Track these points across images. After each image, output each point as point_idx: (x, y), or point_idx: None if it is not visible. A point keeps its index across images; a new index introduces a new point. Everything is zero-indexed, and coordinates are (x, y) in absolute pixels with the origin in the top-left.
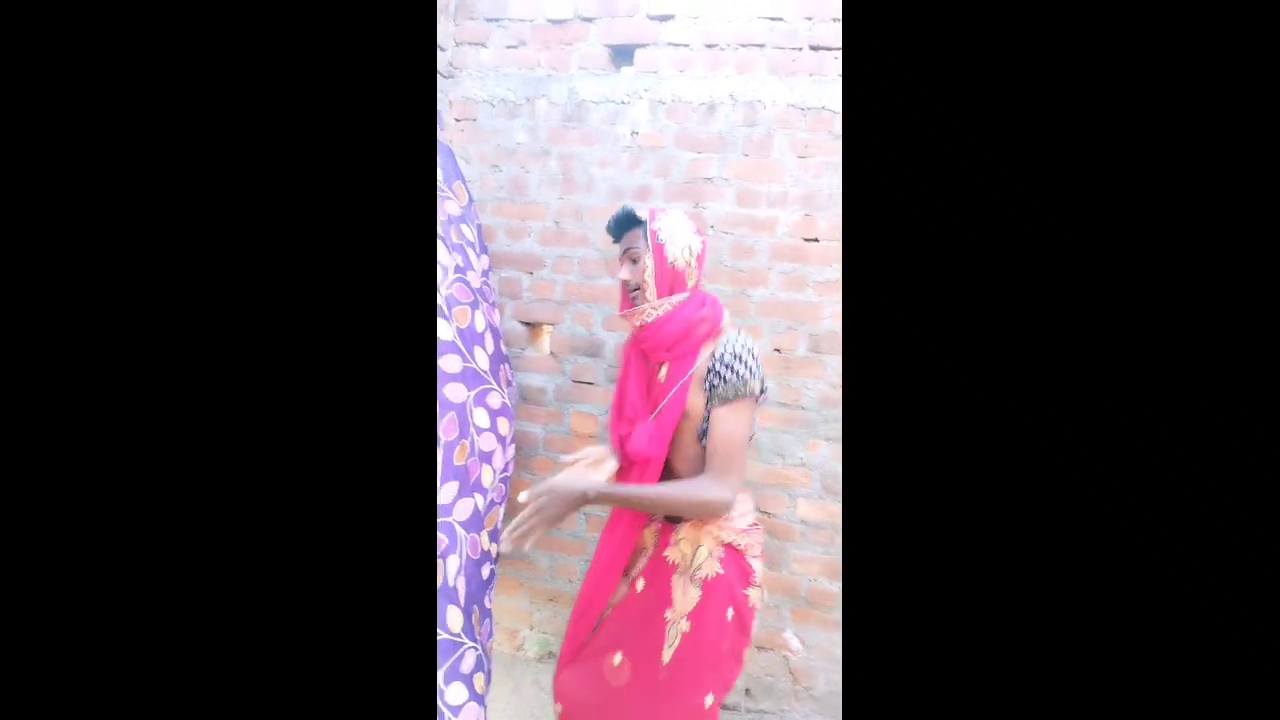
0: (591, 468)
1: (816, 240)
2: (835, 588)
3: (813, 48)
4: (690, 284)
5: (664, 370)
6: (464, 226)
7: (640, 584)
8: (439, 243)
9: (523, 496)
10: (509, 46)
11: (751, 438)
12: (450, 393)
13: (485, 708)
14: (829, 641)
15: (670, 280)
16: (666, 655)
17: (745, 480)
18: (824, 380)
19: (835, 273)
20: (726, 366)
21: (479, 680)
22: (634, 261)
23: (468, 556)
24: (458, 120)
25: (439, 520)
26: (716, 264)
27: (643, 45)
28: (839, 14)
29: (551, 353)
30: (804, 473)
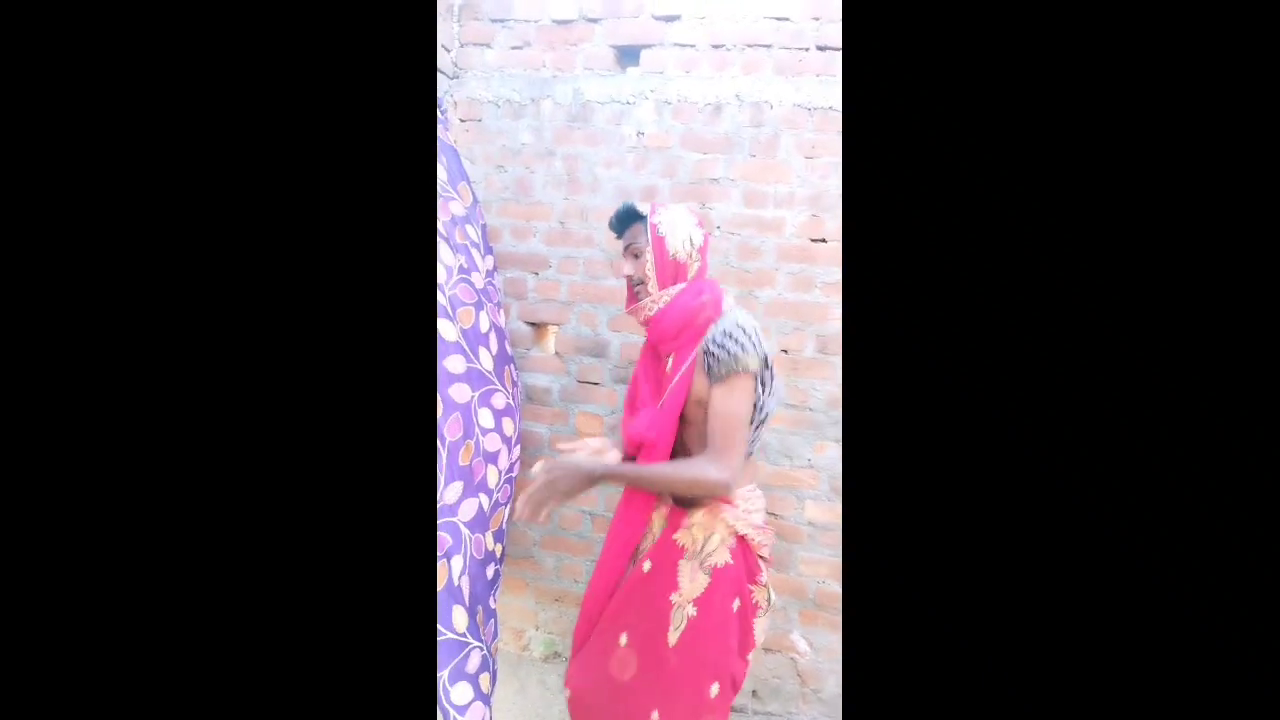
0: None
1: (824, 241)
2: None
3: (819, 48)
4: (691, 275)
5: (671, 360)
6: (468, 227)
7: (647, 565)
8: (443, 243)
9: (536, 469)
10: (514, 47)
11: (761, 418)
12: (455, 393)
13: (490, 708)
14: (837, 644)
15: (672, 272)
16: (672, 638)
17: (755, 481)
18: (831, 381)
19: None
20: (719, 345)
21: (484, 680)
22: (636, 256)
23: (472, 557)
24: (463, 121)
25: (444, 520)
26: (723, 265)
27: (648, 46)
28: None
29: (556, 353)
30: (811, 474)
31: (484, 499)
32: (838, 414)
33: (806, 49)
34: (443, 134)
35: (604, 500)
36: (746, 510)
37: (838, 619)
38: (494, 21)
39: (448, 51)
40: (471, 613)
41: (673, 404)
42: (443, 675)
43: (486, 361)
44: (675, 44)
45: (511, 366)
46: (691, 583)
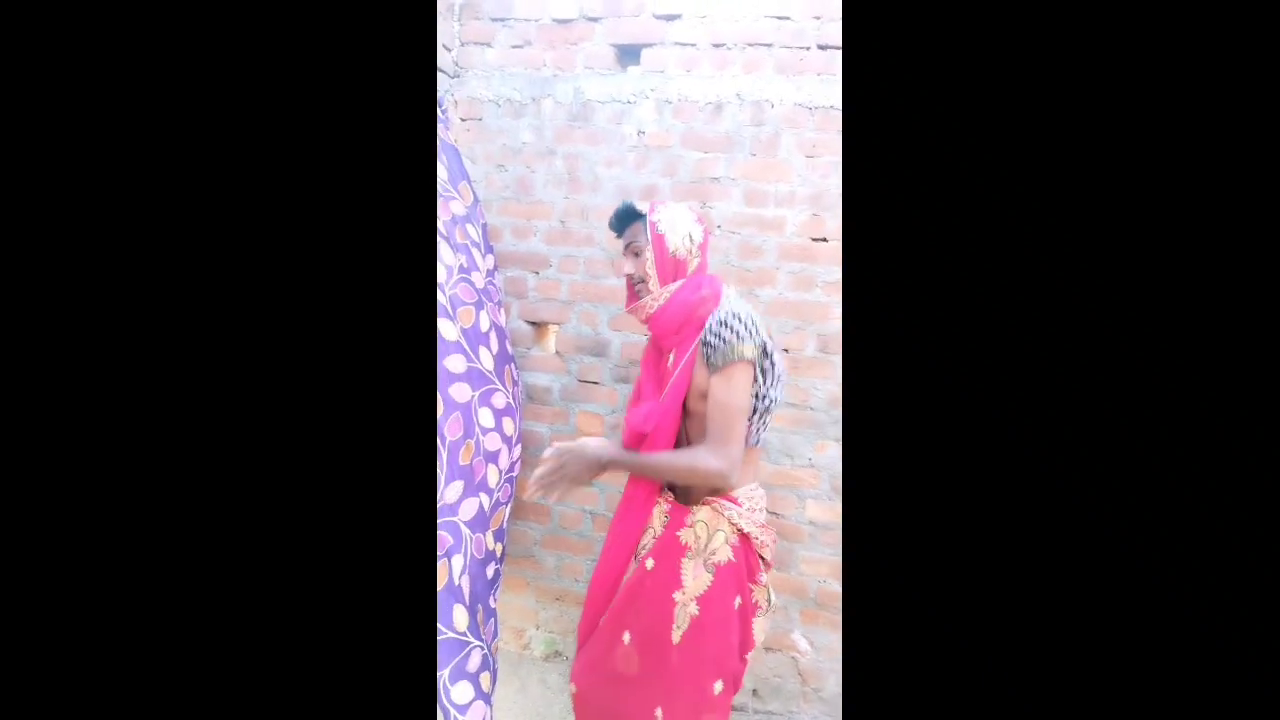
0: None
1: (824, 240)
2: None
3: (820, 47)
4: (691, 271)
5: (672, 356)
6: (469, 226)
7: (650, 563)
8: (444, 242)
9: (548, 453)
10: (514, 46)
11: (764, 406)
12: (455, 393)
13: (491, 707)
14: (837, 643)
15: (672, 269)
16: (676, 636)
17: (758, 479)
18: (832, 380)
19: None
20: (715, 334)
21: (485, 679)
22: (636, 255)
23: (473, 556)
24: (463, 120)
25: (445, 519)
26: (724, 263)
27: (649, 45)
28: None
29: (557, 352)
30: (812, 474)
31: (484, 498)
32: (839, 413)
33: (807, 48)
34: (443, 133)
35: (605, 499)
36: (750, 509)
37: (838, 618)
38: (494, 20)
39: (448, 50)
40: (472, 612)
41: (674, 396)
42: (443, 674)
43: (487, 361)
44: (676, 43)
45: (512, 366)
46: (695, 580)
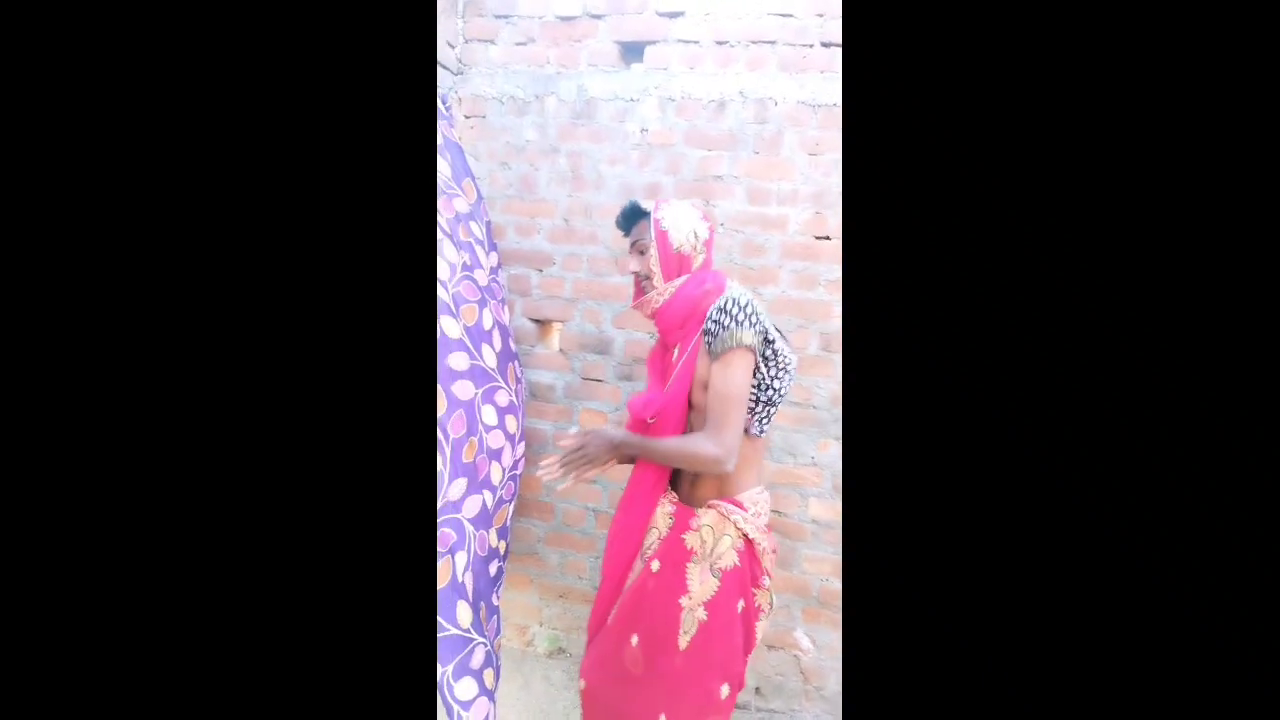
0: None
1: (827, 238)
2: None
3: (824, 44)
4: (695, 267)
5: (677, 350)
6: (472, 224)
7: (656, 565)
8: (447, 240)
9: (564, 442)
10: (518, 43)
11: (768, 396)
12: (458, 390)
13: (494, 703)
14: (839, 641)
15: (676, 265)
16: (683, 642)
17: (763, 482)
18: (835, 379)
19: None
20: (715, 322)
21: (488, 676)
22: (642, 253)
23: (476, 553)
24: (467, 117)
25: (448, 517)
26: (727, 262)
27: (652, 42)
28: None
29: (561, 350)
30: (815, 472)
31: (487, 496)
32: (841, 411)
33: (811, 45)
34: (447, 130)
35: (608, 496)
36: (756, 514)
37: (840, 617)
38: (498, 18)
39: (452, 48)
40: (475, 609)
41: (678, 387)
42: (447, 671)
43: (490, 359)
44: (679, 40)
45: (516, 363)
46: (701, 586)
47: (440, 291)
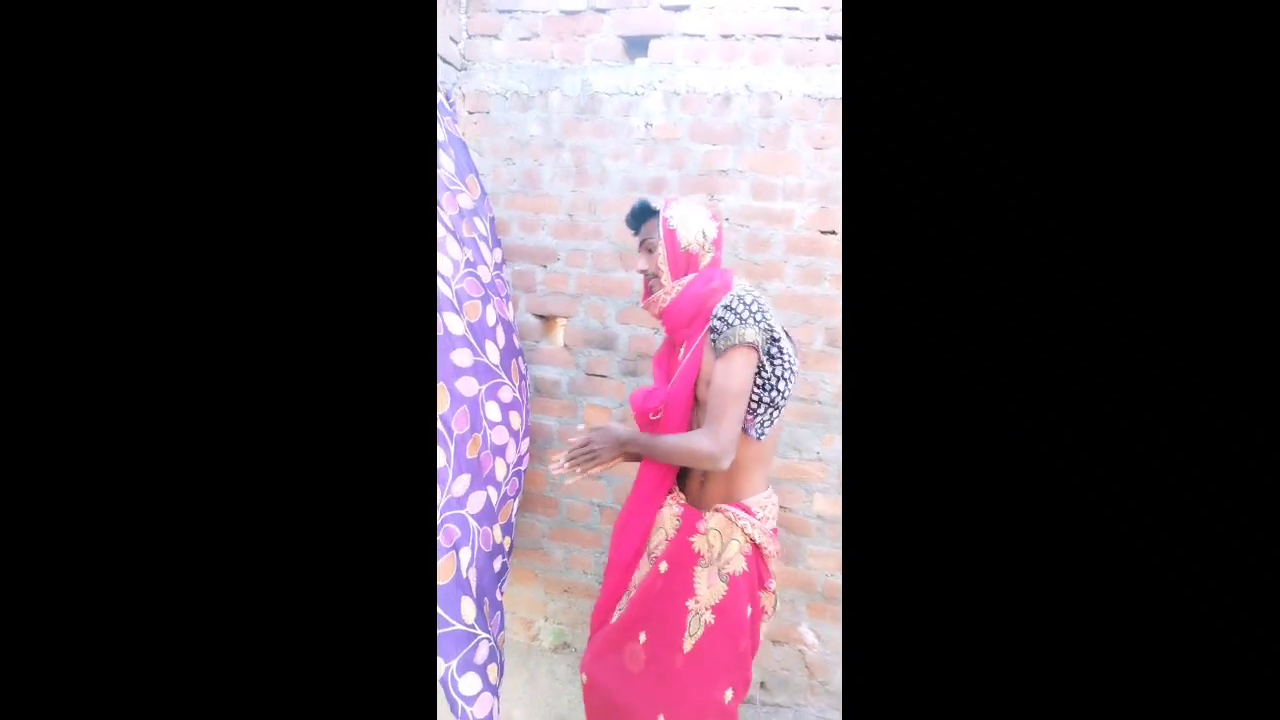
0: None
1: (833, 233)
2: None
3: (829, 37)
4: (703, 265)
5: (684, 348)
6: (476, 220)
7: (663, 566)
8: (450, 237)
9: (574, 440)
10: (522, 38)
11: (771, 397)
12: (462, 387)
13: (498, 698)
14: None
15: (684, 264)
16: (688, 644)
17: (770, 486)
18: (840, 375)
19: None
20: (720, 319)
21: (492, 671)
22: (651, 251)
23: (480, 549)
24: (471, 113)
25: (453, 513)
26: (732, 257)
27: (657, 36)
28: None
29: (565, 345)
30: (820, 468)
31: (492, 492)
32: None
33: (816, 38)
34: (450, 126)
35: (612, 492)
36: (764, 518)
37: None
38: (502, 13)
39: (455, 43)
40: (479, 604)
41: (682, 384)
42: (451, 666)
43: (493, 355)
44: (684, 34)
45: (520, 359)
46: (709, 589)
47: (444, 288)
